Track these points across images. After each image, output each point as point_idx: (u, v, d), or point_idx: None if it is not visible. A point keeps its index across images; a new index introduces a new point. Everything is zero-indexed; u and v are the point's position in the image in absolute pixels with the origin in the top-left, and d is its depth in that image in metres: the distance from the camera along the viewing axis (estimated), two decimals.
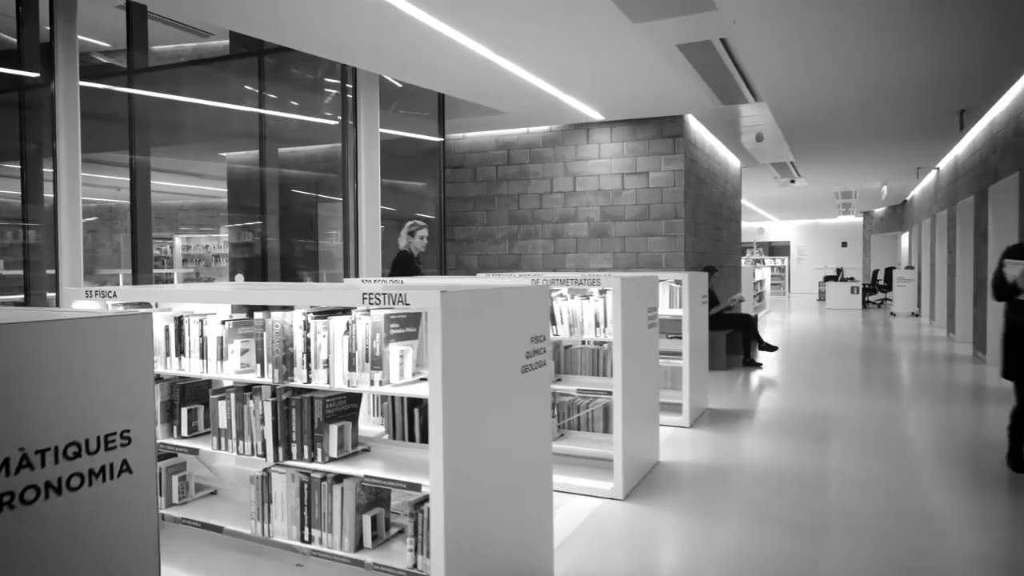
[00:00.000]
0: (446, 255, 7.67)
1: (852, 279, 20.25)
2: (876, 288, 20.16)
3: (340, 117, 6.94)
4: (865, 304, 19.55)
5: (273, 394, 2.53)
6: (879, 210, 22.86)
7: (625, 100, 7.30)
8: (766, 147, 10.16)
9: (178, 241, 19.10)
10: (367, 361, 2.34)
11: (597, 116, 7.96)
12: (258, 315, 2.56)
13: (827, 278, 20.56)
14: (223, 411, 2.63)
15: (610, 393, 4.09)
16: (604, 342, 4.36)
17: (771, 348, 8.64)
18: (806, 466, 4.36)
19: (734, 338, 8.67)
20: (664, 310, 5.47)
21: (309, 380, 2.45)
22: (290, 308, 2.57)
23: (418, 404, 2.75)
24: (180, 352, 2.77)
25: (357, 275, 6.62)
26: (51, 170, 5.25)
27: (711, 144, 9.49)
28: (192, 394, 2.88)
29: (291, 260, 8.58)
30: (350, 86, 6.95)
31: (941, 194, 12.81)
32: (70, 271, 4.86)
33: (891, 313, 17.02)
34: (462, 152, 8.98)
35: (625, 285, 3.74)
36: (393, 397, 2.79)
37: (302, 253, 8.68)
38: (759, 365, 8.38)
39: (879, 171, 13.50)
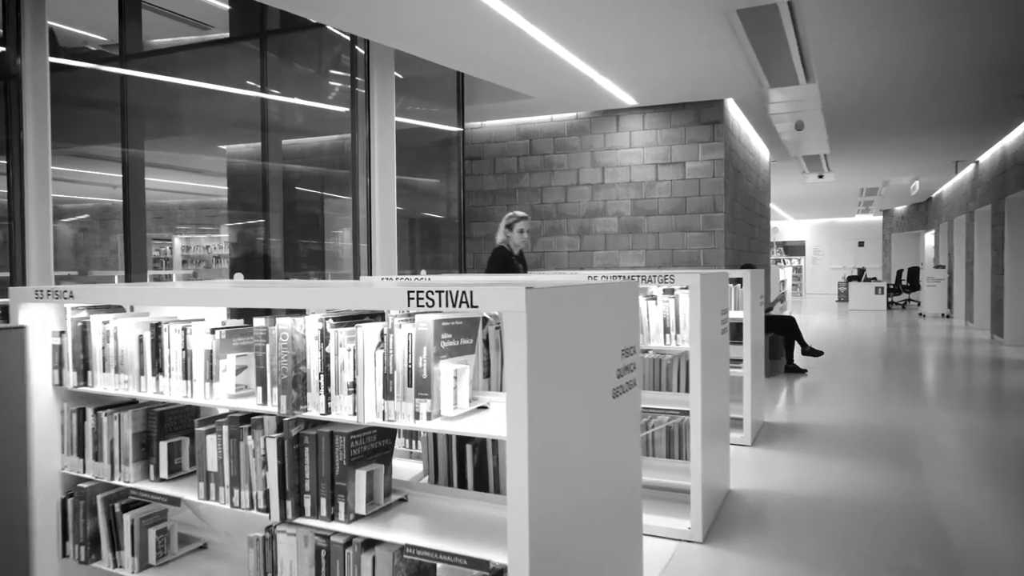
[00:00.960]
0: (465, 252, 7.03)
1: (875, 279, 19.56)
2: (900, 288, 19.47)
3: (350, 105, 6.30)
4: (889, 305, 18.87)
5: (279, 428, 1.88)
6: (900, 208, 22.17)
7: (662, 82, 6.65)
8: (803, 137, 9.49)
9: (177, 242, 18.50)
10: (409, 385, 1.69)
11: (630, 101, 7.31)
12: (259, 322, 1.91)
13: (850, 278, 19.87)
14: (212, 449, 1.98)
15: (678, 413, 3.43)
16: (666, 352, 3.70)
17: (816, 352, 7.98)
18: (904, 494, 3.70)
19: (774, 342, 8.02)
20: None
21: (328, 410, 1.80)
22: (302, 312, 1.92)
23: (470, 439, 2.10)
24: (158, 370, 2.12)
25: (371, 275, 5.97)
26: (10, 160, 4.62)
27: (746, 134, 8.83)
28: (174, 423, 2.23)
29: (295, 261, 7.93)
30: (360, 78, 6.31)
31: (981, 189, 12.13)
32: (38, 272, 4.21)
33: (920, 314, 16.33)
34: (480, 142, 8.34)
35: (705, 284, 3.09)
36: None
37: (307, 253, 8.03)
38: (803, 371, 7.72)
39: (914, 165, 12.82)
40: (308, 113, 7.67)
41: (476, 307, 1.52)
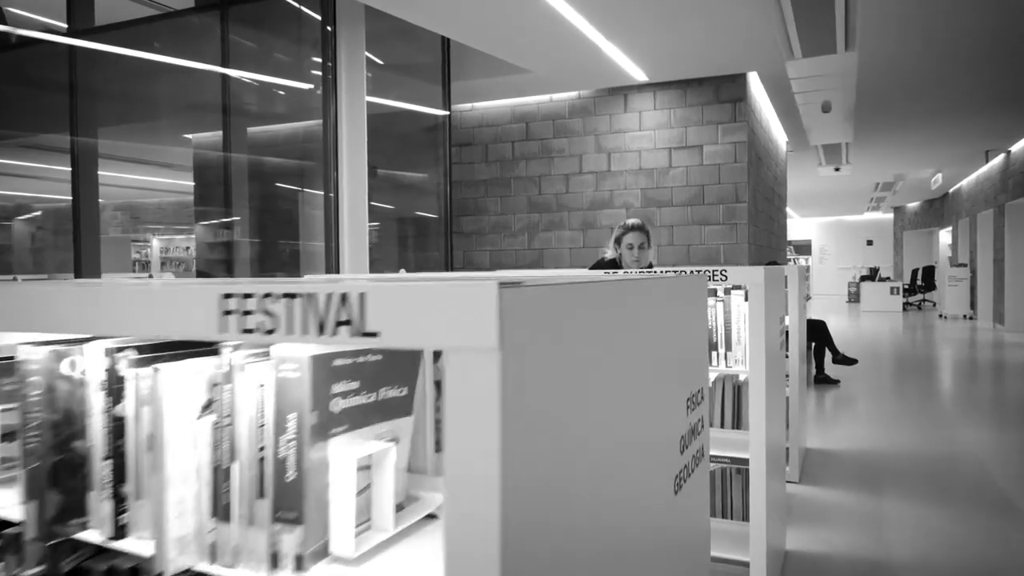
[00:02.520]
0: (452, 251, 6.15)
1: (890, 279, 18.70)
2: (916, 288, 18.60)
3: (322, 84, 5.40)
4: (905, 306, 18.00)
5: (42, 559, 0.98)
6: (913, 205, 21.31)
7: (677, 51, 5.76)
8: (827, 122, 8.61)
9: (155, 243, 17.58)
10: (260, 495, 0.80)
11: (640, 76, 6.42)
12: (25, 352, 1.02)
13: (863, 278, 19.00)
14: None
15: (727, 460, 2.54)
16: (714, 371, 2.80)
17: (849, 361, 7.10)
18: (1014, 555, 2.81)
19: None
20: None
21: (119, 532, 0.91)
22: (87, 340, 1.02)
23: None
24: None
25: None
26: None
27: (767, 117, 7.95)
28: None
29: (269, 261, 7.03)
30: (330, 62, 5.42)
31: (1014, 180, 11.26)
32: None
33: (940, 315, 15.47)
34: (470, 127, 7.45)
35: (770, 282, 2.21)
36: None
37: (280, 253, 7.13)
38: (835, 382, 6.83)
39: (939, 155, 11.95)
40: (275, 95, 6.78)
41: (371, 335, 0.62)
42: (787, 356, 3.88)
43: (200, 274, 8.00)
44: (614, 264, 3.80)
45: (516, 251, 7.25)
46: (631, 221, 3.80)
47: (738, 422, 2.59)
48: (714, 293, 2.50)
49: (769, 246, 8.19)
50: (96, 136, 7.23)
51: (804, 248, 25.89)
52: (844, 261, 25.28)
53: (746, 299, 2.28)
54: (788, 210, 21.93)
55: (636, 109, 6.76)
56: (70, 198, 6.59)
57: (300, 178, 6.90)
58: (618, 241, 3.78)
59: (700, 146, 6.54)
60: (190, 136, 9.12)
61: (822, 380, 6.88)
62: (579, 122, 6.97)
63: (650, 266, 3.96)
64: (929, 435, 4.86)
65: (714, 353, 2.37)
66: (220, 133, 6.45)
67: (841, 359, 7.08)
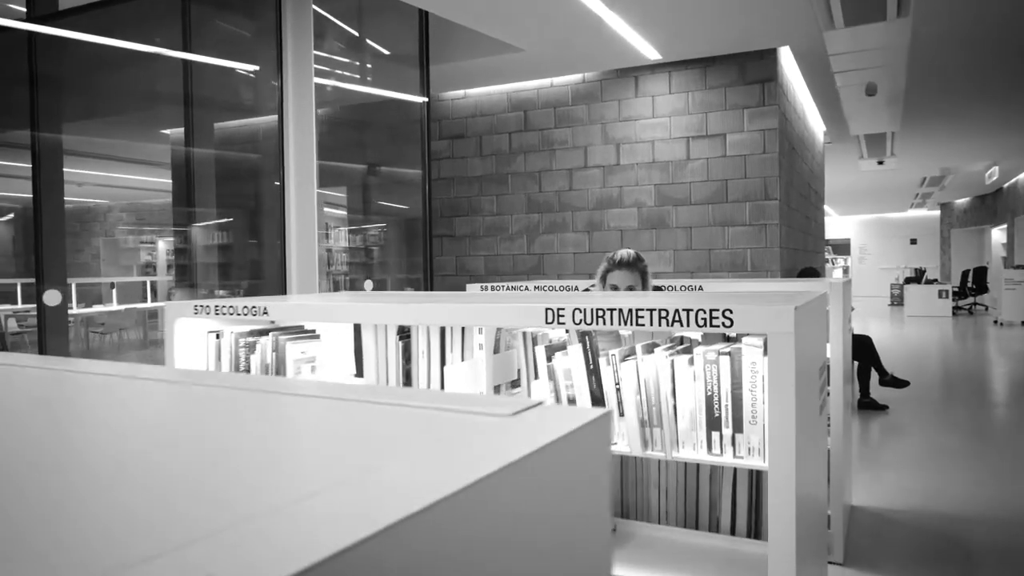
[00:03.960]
0: (432, 258, 5.35)
1: (936, 281, 17.42)
2: (966, 291, 17.28)
3: (276, 69, 4.64)
4: (954, 311, 16.70)
5: None
6: (962, 201, 19.93)
7: (696, 25, 4.88)
8: (871, 107, 7.61)
9: (161, 245, 17.14)
10: None
11: (652, 55, 5.54)
12: None
13: (907, 280, 17.73)
14: None
15: None
16: (709, 463, 1.94)
17: (900, 383, 6.12)
18: None
19: None
20: None
21: None
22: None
23: None
24: None
25: (286, 291, 4.31)
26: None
27: (802, 101, 6.99)
28: None
29: (236, 269, 6.31)
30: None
31: None
32: None
33: (995, 322, 14.21)
34: (462, 117, 6.64)
35: (802, 330, 1.35)
36: None
37: (247, 261, 6.41)
38: (883, 408, 5.87)
39: (997, 145, 10.79)
40: (248, 85, 6.04)
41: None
42: (827, 395, 2.99)
43: (180, 280, 7.35)
44: None
45: (514, 256, 6.42)
46: (621, 254, 2.85)
47: (756, 527, 1.73)
48: (722, 339, 1.64)
49: (805, 249, 7.23)
50: (60, 130, 6.57)
51: (842, 248, 24.55)
52: (886, 261, 23.88)
53: (765, 353, 1.42)
54: (827, 206, 20.68)
55: (648, 93, 5.88)
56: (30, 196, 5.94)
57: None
58: (603, 280, 2.90)
59: (723, 135, 5.63)
60: (168, 132, 8.43)
61: (867, 405, 5.92)
62: (583, 109, 6.11)
63: None
64: (1008, 486, 3.90)
65: (715, 435, 1.51)
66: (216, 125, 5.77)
67: (890, 381, 6.10)
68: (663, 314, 1.41)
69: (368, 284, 5.21)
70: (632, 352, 1.59)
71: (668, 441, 1.52)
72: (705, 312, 1.37)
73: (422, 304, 1.76)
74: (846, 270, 23.60)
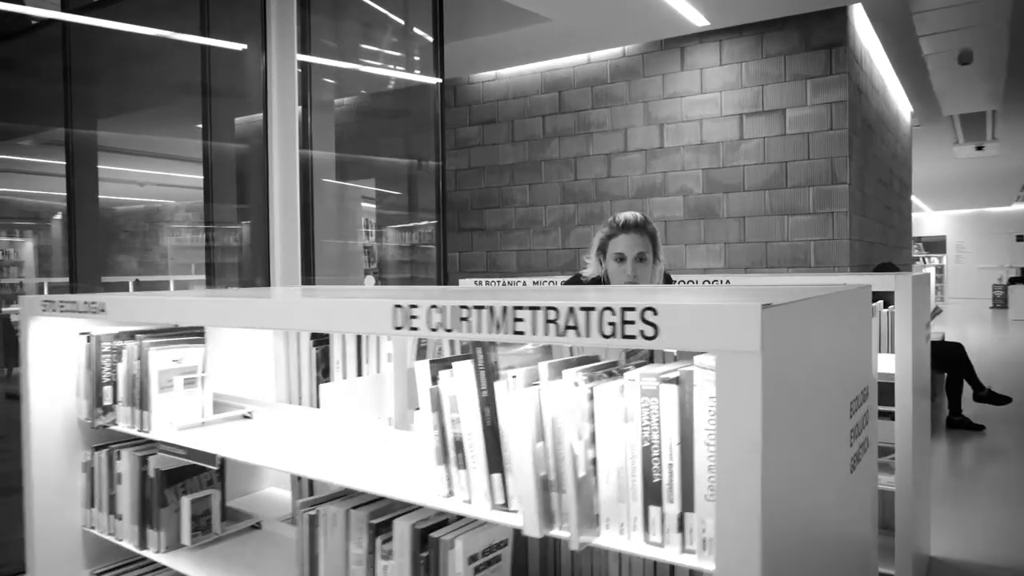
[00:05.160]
0: (445, 255, 4.85)
1: None
2: None
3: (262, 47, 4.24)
4: None
5: None
6: None
7: None
8: (966, 81, 6.62)
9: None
10: None
11: (699, 21, 4.87)
12: None
13: (1011, 280, 16.05)
14: None
15: None
16: (652, 556, 1.34)
17: (1000, 399, 5.20)
18: None
19: (931, 379, 5.35)
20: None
21: None
22: None
23: None
24: None
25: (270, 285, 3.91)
26: None
27: (881, 74, 6.11)
28: None
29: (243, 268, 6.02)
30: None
31: None
32: None
33: None
34: (493, 100, 6.12)
35: (782, 331, 0.76)
36: None
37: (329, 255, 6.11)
38: (979, 428, 4.98)
39: None
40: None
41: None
42: (866, 439, 2.33)
43: (211, 279, 7.17)
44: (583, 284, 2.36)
45: (548, 251, 5.86)
46: (626, 216, 2.24)
47: None
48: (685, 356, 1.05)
49: (885, 243, 6.34)
50: (95, 127, 6.48)
51: (936, 246, 22.65)
52: (986, 260, 21.82)
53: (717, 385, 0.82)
54: (914, 199, 19.01)
55: (696, 66, 5.20)
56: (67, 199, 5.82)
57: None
58: (602, 251, 2.27)
59: (782, 110, 4.90)
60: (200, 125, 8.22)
61: (959, 424, 5.05)
62: (623, 87, 5.48)
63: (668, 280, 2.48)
64: None
65: (654, 511, 0.93)
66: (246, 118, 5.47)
67: (986, 396, 5.18)
68: (551, 316, 0.85)
69: (369, 280, 4.77)
70: (552, 382, 1.02)
71: (579, 516, 0.95)
72: (615, 313, 0.80)
73: (228, 301, 1.24)
74: (939, 269, 21.73)
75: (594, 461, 0.98)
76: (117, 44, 5.73)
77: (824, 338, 0.95)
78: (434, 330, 0.96)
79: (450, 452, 1.14)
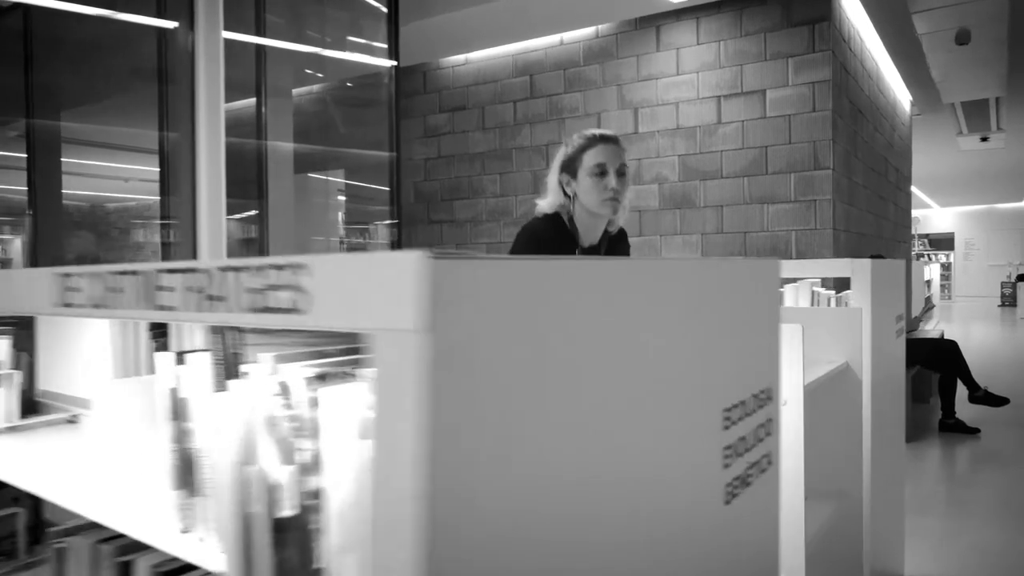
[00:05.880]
0: (400, 248, 4.56)
1: None
2: None
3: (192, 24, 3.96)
4: None
5: None
6: None
7: None
8: (966, 64, 6.28)
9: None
10: None
11: None
12: None
13: (1020, 277, 15.61)
14: None
15: None
16: None
17: (997, 400, 4.87)
18: None
19: (922, 379, 5.04)
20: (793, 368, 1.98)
21: None
22: None
23: None
24: None
25: None
26: None
27: (872, 55, 5.78)
28: None
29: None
30: None
31: None
32: None
33: None
34: (464, 86, 5.84)
35: (494, 301, 0.46)
36: None
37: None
38: (973, 432, 4.66)
39: None
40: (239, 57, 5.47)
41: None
42: (765, 436, 2.05)
43: None
44: (560, 230, 1.88)
45: None
46: (596, 131, 1.88)
47: None
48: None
49: (879, 236, 6.01)
50: (58, 117, 6.26)
51: (944, 242, 22.18)
52: (996, 257, 21.33)
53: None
54: (923, 196, 18.56)
55: (672, 46, 4.89)
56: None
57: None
58: (570, 168, 1.85)
59: (762, 91, 4.58)
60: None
61: (952, 427, 4.72)
62: (597, 69, 5.18)
63: (621, 235, 2.12)
64: None
65: None
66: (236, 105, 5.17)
67: (982, 397, 4.85)
68: (197, 283, 0.56)
69: None
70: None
71: (280, 573, 0.66)
72: (263, 275, 0.51)
73: None
74: (946, 266, 21.26)
75: (316, 494, 0.69)
76: (79, 30, 5.46)
77: (638, 322, 0.66)
78: (95, 307, 0.68)
79: (185, 474, 0.86)
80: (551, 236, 1.87)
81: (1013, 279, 16.91)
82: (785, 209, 4.51)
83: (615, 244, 2.04)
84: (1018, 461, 4.11)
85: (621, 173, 1.84)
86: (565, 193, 1.89)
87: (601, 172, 1.82)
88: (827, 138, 4.38)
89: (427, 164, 6.07)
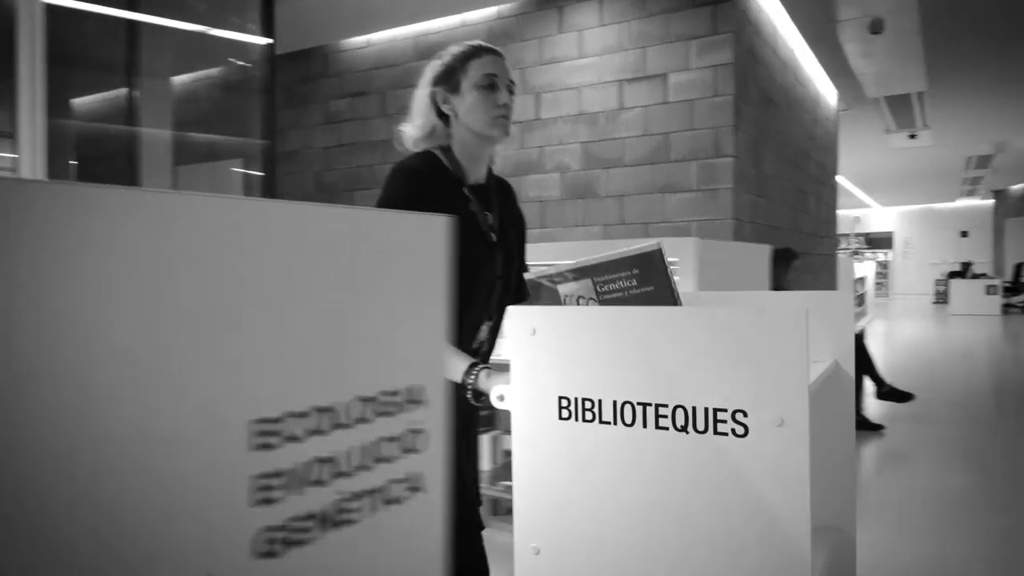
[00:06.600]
0: None
1: (985, 275, 15.60)
2: (1019, 287, 15.41)
3: None
4: (1005, 308, 14.87)
5: None
6: (1017, 187, 17.93)
7: None
8: (884, 55, 6.19)
9: None
10: None
11: None
12: None
13: (951, 275, 15.93)
14: None
15: None
16: None
17: (902, 396, 4.76)
18: None
19: None
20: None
21: None
22: None
23: None
24: None
25: None
26: None
27: (789, 46, 5.64)
28: None
29: None
30: None
31: None
32: None
33: None
34: (365, 69, 5.51)
35: None
36: None
37: None
38: (878, 428, 4.53)
39: None
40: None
41: None
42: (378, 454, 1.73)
43: None
44: (439, 168, 1.50)
45: None
46: (480, 41, 1.57)
47: None
48: None
49: (796, 230, 5.87)
50: None
51: (883, 241, 22.63)
52: (933, 256, 21.86)
53: None
54: (864, 196, 18.85)
55: (575, 28, 4.64)
56: None
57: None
58: (449, 81, 1.52)
59: (665, 75, 4.37)
60: (77, 100, 7.36)
61: (857, 425, 4.58)
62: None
63: (508, 186, 1.69)
64: None
65: None
66: (110, 90, 4.66)
67: (888, 393, 4.73)
68: None
69: None
70: None
71: None
72: None
73: None
74: (883, 264, 21.68)
75: None
76: None
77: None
78: None
79: None
80: (431, 173, 1.49)
81: (945, 276, 17.27)
82: (688, 198, 4.29)
83: (506, 192, 1.66)
84: (915, 461, 3.97)
85: (511, 92, 1.52)
86: (440, 113, 1.53)
87: (491, 85, 1.48)
88: (729, 124, 4.17)
89: (328, 153, 5.72)
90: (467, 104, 1.49)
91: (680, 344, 1.07)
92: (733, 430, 1.03)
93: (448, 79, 1.52)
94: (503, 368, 1.27)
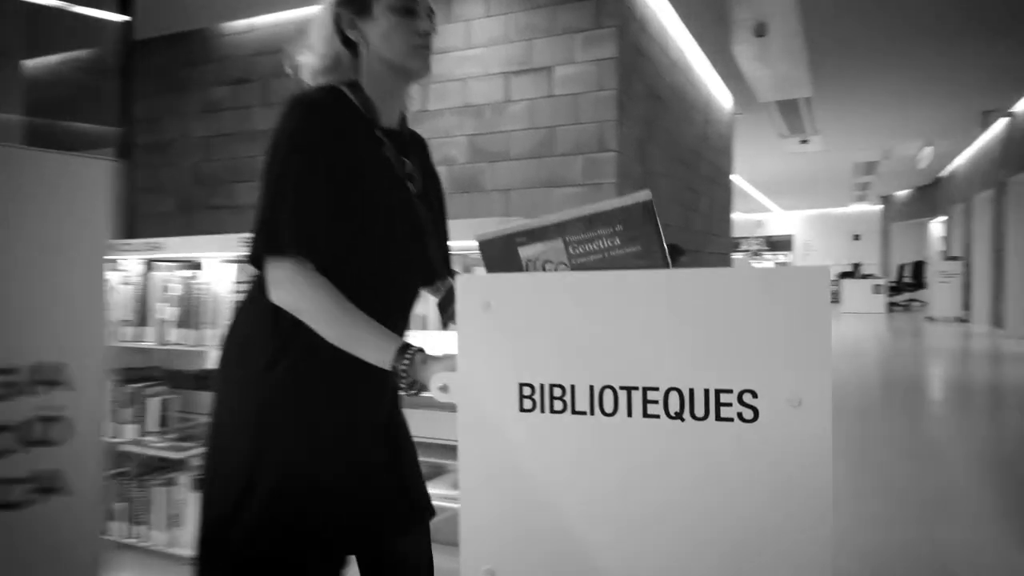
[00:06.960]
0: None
1: (872, 276, 16.54)
2: (902, 286, 16.43)
3: None
4: (890, 307, 15.81)
5: None
6: (902, 193, 19.13)
7: None
8: (771, 59, 6.40)
9: None
10: None
11: None
12: None
13: (842, 275, 16.80)
14: None
15: None
16: None
17: None
18: None
19: None
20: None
21: None
22: None
23: None
24: None
25: None
26: None
27: (680, 47, 5.73)
28: None
29: None
30: None
31: (1016, 147, 9.07)
32: None
33: (928, 318, 13.28)
34: (247, 55, 5.23)
35: None
36: None
37: None
38: None
39: (927, 120, 9.73)
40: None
41: None
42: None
43: None
44: (347, 106, 1.25)
45: None
46: None
47: None
48: None
49: (686, 228, 5.98)
50: None
51: (783, 244, 23.71)
52: (830, 258, 23.06)
53: None
54: (766, 201, 19.68)
55: (463, 18, 4.55)
56: None
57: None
58: (358, 4, 1.23)
59: (550, 67, 4.33)
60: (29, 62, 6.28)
61: None
62: None
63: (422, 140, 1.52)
64: (915, 531, 2.64)
65: None
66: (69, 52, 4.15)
67: None
68: None
69: None
70: None
71: None
72: None
73: None
74: (785, 265, 22.72)
75: None
76: None
77: None
78: None
79: None
80: (337, 108, 1.23)
81: (837, 276, 18.21)
82: (573, 193, 4.27)
83: (421, 147, 1.48)
84: None
85: (431, 19, 1.30)
86: (346, 40, 1.26)
87: (409, 10, 1.24)
88: (613, 119, 4.17)
89: (208, 143, 5.40)
90: (380, 30, 1.23)
91: (673, 314, 0.86)
92: (740, 414, 0.83)
93: (357, 1, 1.24)
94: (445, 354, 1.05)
